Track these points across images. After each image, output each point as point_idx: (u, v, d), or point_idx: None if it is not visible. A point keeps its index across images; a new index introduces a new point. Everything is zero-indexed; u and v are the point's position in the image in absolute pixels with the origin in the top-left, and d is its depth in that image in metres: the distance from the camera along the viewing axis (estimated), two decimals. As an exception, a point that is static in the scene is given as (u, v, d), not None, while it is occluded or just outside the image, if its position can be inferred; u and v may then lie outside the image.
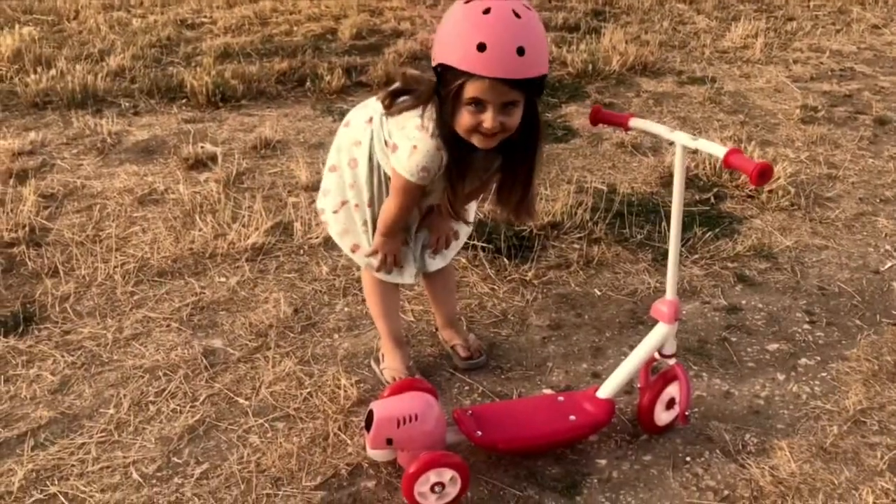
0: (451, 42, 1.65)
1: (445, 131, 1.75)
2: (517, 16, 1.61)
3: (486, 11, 1.60)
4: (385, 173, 1.95)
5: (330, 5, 6.48)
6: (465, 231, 2.22)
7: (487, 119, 1.68)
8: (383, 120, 1.89)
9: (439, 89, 1.71)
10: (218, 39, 5.47)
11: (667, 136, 1.77)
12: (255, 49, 5.25)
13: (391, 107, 1.85)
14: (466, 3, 1.64)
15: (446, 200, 1.89)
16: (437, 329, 2.39)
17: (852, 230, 3.07)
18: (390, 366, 2.21)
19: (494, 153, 1.83)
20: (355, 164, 1.99)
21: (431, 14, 6.26)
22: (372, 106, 1.96)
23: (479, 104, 1.67)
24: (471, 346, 2.29)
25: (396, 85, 1.89)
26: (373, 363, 2.27)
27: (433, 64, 1.71)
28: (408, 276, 2.10)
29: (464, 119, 1.70)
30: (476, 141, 1.73)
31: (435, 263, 2.15)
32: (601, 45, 5.20)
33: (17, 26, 5.58)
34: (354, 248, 2.08)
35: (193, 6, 6.50)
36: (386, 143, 1.89)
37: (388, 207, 1.95)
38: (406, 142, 1.80)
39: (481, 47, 1.59)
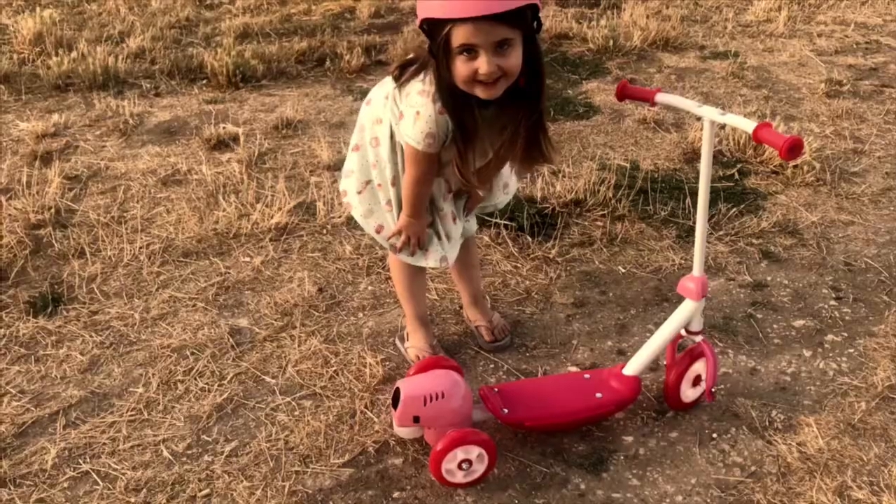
0: None
1: (445, 92, 1.69)
2: None
3: None
4: None
5: (348, -16, 6.44)
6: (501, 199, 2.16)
7: (482, 64, 1.60)
8: (396, 93, 1.87)
9: (431, 47, 1.65)
10: (237, 20, 5.45)
11: (695, 111, 1.75)
12: (275, 29, 5.24)
13: (400, 78, 1.82)
14: None
15: (455, 168, 1.83)
16: (461, 307, 2.39)
17: (879, 205, 3.03)
18: (415, 344, 2.22)
19: (507, 112, 1.76)
20: (377, 143, 1.98)
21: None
22: (389, 82, 1.94)
23: (470, 51, 1.61)
24: (495, 328, 2.29)
25: (408, 56, 1.86)
26: (397, 342, 2.28)
27: (418, 23, 1.66)
28: (432, 260, 2.05)
29: (459, 70, 1.64)
30: (479, 92, 1.66)
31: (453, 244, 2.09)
32: (622, 21, 5.14)
33: (37, 9, 5.59)
34: (379, 229, 2.05)
35: (211, -14, 6.48)
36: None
37: (405, 181, 1.92)
38: (410, 109, 1.77)
39: None
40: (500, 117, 1.78)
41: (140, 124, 3.80)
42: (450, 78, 1.67)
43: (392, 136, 1.93)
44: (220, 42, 4.91)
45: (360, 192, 2.04)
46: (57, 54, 4.59)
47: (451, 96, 1.70)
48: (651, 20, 5.06)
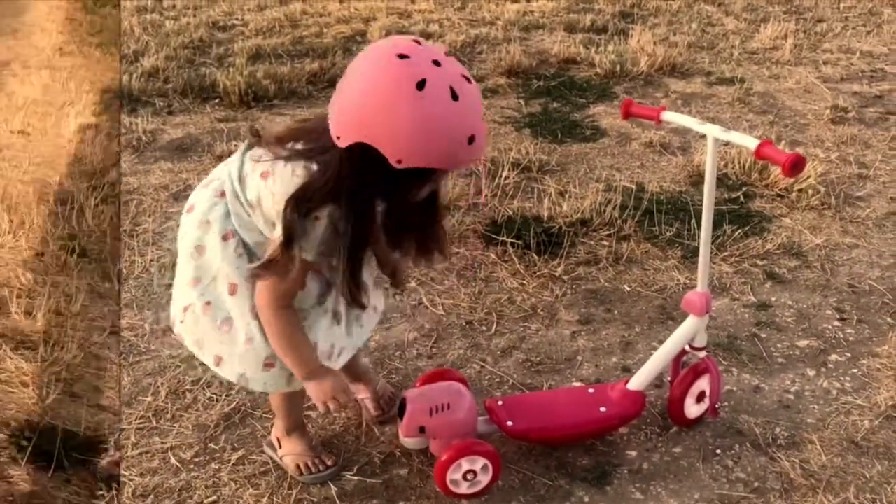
0: (426, 143, 1.33)
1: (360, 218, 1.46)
2: (467, 80, 1.35)
3: (455, 97, 1.31)
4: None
5: (359, 8, 6.54)
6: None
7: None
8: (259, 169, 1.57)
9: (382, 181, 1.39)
10: (249, 41, 5.54)
11: (698, 129, 1.79)
12: (286, 50, 5.32)
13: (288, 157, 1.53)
14: (420, 90, 1.29)
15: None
16: (468, 323, 2.42)
17: (883, 229, 3.05)
18: (293, 451, 1.91)
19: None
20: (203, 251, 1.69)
21: (460, 17, 6.29)
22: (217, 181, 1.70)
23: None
24: (381, 398, 2.09)
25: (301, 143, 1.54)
26: (267, 449, 1.98)
27: (395, 161, 1.34)
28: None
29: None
30: None
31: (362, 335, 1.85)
32: (629, 47, 5.20)
33: (53, 28, 5.69)
34: (218, 361, 1.75)
35: (225, 9, 6.58)
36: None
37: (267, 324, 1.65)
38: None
39: (471, 140, 1.34)
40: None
41: (153, 141, 3.86)
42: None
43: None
44: (233, 62, 4.98)
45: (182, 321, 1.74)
46: (72, 72, 4.67)
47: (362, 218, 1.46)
48: (658, 46, 5.12)
